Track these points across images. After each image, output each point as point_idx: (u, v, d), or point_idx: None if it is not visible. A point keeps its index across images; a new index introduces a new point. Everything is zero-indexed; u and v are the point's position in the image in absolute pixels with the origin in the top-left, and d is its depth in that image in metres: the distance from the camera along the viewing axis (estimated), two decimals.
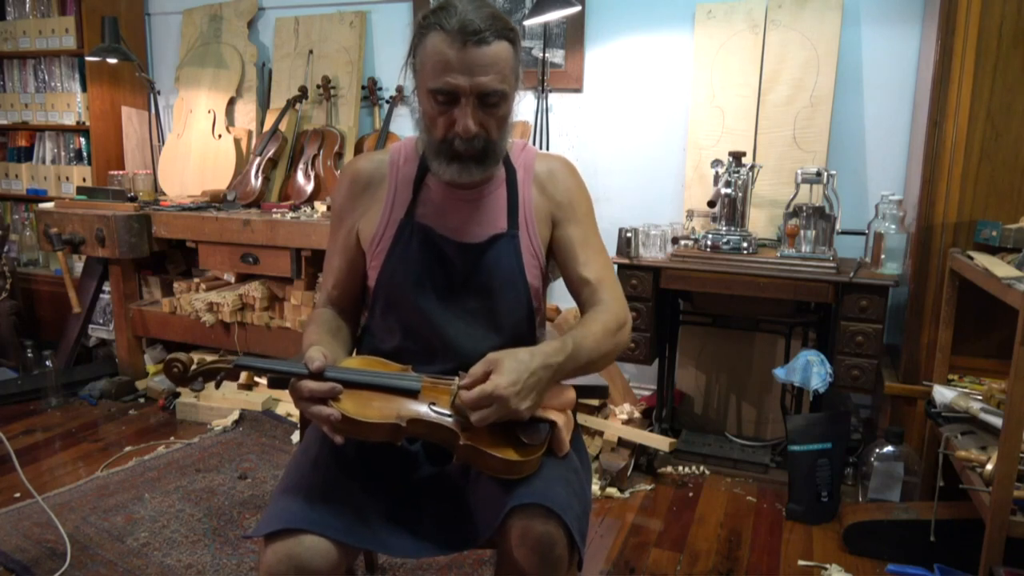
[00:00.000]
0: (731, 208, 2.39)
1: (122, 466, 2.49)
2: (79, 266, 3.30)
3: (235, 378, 1.09)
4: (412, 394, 1.11)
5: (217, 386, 1.06)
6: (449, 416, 1.08)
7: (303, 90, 3.20)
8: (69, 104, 3.45)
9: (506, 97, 1.15)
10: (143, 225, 2.97)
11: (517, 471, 1.06)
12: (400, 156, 1.31)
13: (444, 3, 1.12)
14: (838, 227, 2.31)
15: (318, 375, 1.05)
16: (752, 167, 2.41)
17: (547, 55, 2.86)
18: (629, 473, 2.45)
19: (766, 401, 2.73)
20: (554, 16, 2.54)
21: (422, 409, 1.08)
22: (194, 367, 1.05)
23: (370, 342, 1.33)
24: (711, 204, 2.41)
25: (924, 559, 1.93)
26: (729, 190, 2.38)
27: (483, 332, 1.24)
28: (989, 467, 1.64)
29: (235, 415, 2.83)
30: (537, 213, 1.28)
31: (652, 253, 2.46)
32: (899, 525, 1.99)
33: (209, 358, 1.06)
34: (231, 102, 3.41)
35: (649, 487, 2.40)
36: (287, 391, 1.08)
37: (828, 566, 1.96)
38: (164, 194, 3.39)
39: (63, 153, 3.60)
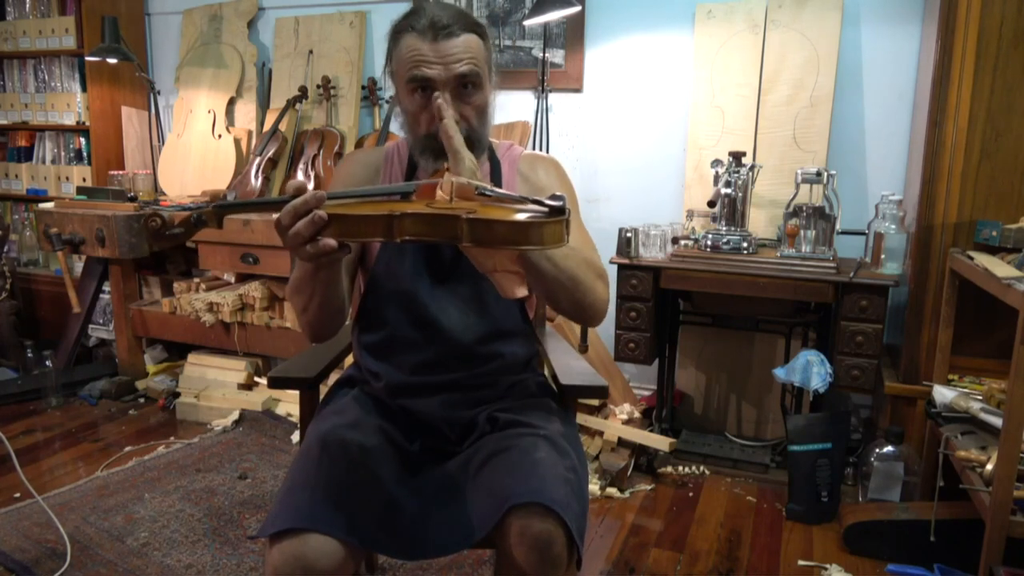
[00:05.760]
0: (731, 208, 2.39)
1: (122, 466, 2.49)
2: (79, 266, 3.30)
3: (217, 224, 1.04)
4: (406, 198, 1.05)
5: (195, 228, 1.01)
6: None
7: (303, 90, 3.20)
8: (69, 104, 3.45)
9: (480, 82, 1.19)
10: (143, 225, 2.97)
11: (525, 237, 0.92)
12: (394, 151, 1.39)
13: (413, 8, 1.19)
14: (838, 227, 2.31)
15: (301, 193, 0.98)
16: (752, 167, 2.41)
17: (547, 55, 2.86)
18: (629, 473, 2.45)
19: (766, 401, 2.73)
20: (554, 16, 2.54)
21: (418, 206, 0.99)
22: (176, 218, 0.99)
23: (363, 332, 1.34)
24: (711, 204, 2.41)
25: (924, 559, 1.93)
26: (729, 190, 2.38)
27: (475, 318, 1.27)
28: (989, 467, 1.64)
29: (235, 415, 2.83)
30: None
31: (652, 253, 2.46)
32: (899, 525, 1.98)
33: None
34: (231, 102, 3.41)
35: (649, 487, 2.40)
36: (287, 391, 1.06)
37: (828, 566, 1.96)
38: (164, 194, 3.39)
39: (63, 153, 3.60)
